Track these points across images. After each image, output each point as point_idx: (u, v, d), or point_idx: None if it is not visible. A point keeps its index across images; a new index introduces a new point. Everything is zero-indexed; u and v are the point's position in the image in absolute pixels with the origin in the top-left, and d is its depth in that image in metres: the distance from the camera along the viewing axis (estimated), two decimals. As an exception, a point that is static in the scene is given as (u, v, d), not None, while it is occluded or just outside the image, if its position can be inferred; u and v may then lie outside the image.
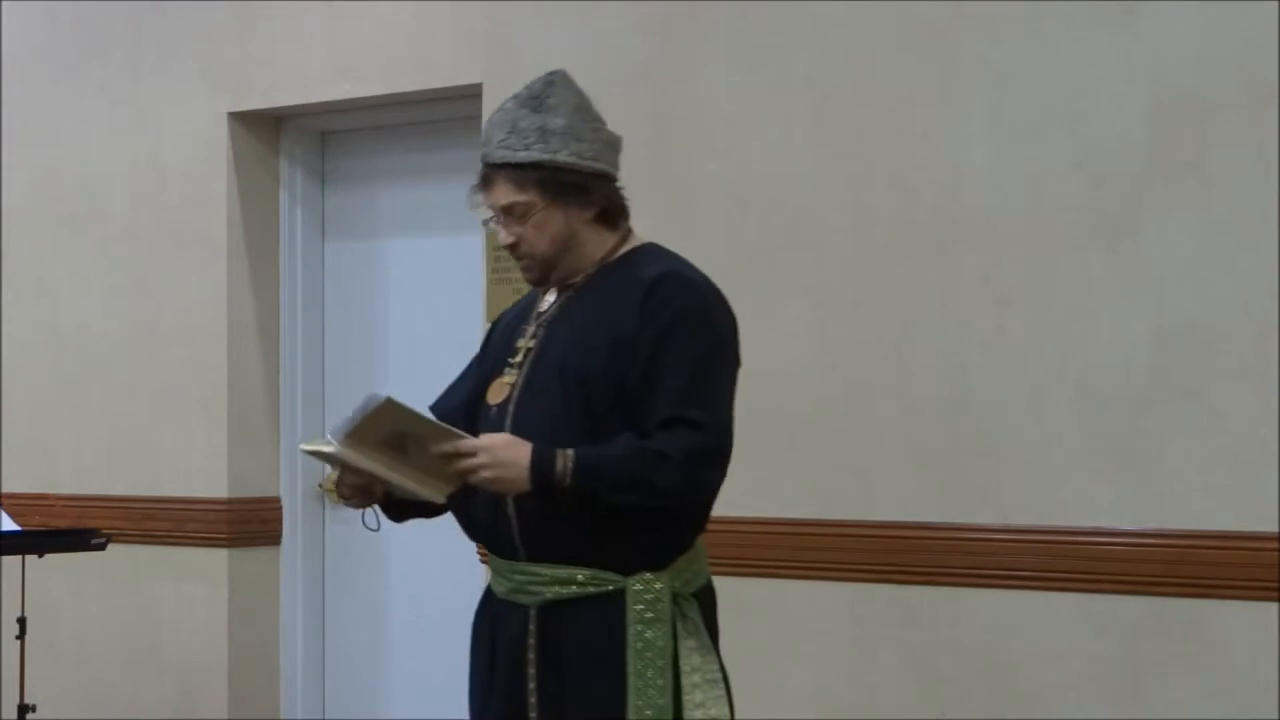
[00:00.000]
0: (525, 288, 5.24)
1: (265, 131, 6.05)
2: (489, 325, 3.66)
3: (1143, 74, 4.29)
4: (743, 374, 4.72)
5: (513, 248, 3.40)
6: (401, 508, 3.44)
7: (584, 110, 3.38)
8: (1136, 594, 4.25)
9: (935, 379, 4.54)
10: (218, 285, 5.96)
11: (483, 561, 5.08)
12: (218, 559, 5.95)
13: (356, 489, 3.38)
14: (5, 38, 6.46)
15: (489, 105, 5.33)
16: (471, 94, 5.40)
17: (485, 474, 3.21)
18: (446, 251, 5.79)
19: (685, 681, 3.24)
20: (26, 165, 6.43)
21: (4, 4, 6.46)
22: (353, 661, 6.03)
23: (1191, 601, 4.19)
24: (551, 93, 3.37)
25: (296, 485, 6.06)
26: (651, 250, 3.43)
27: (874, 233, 4.65)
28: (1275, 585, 4.07)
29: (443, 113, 5.69)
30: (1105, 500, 4.30)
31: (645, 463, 3.19)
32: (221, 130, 5.97)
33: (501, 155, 3.35)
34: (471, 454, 3.22)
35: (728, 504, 4.72)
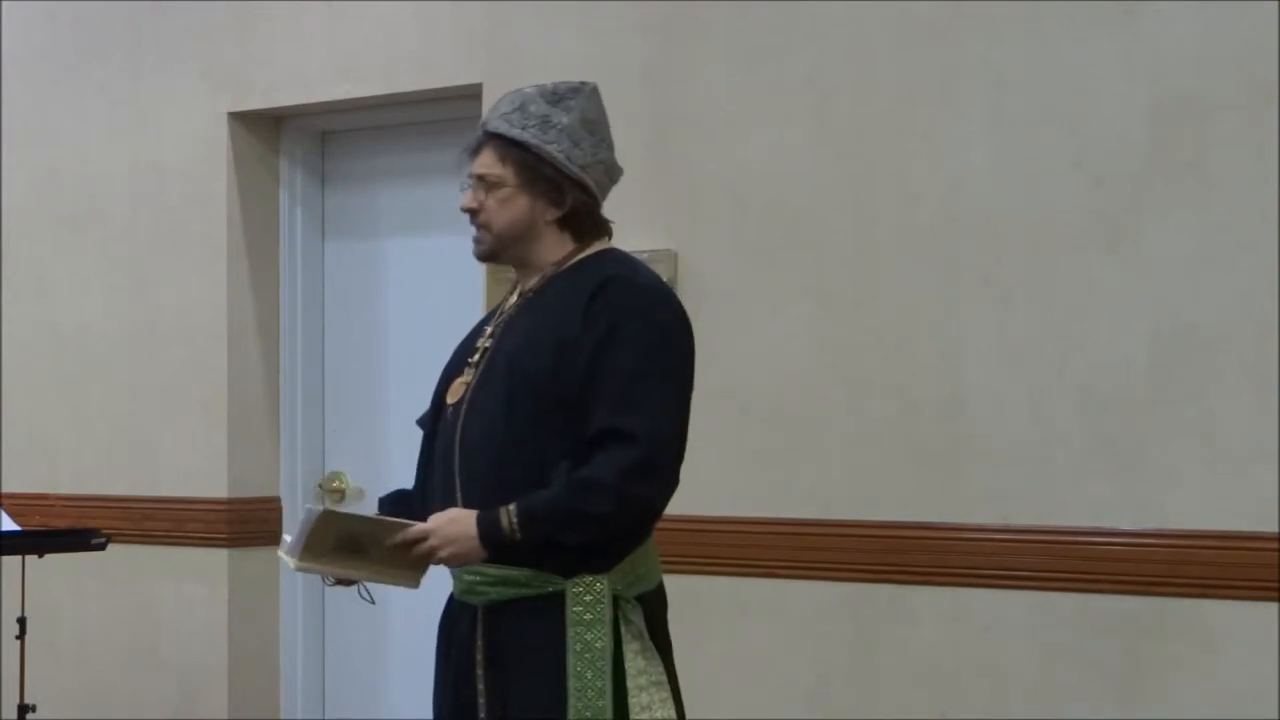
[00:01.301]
0: (525, 288, 5.31)
1: (265, 131, 6.05)
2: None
3: (1143, 74, 4.29)
4: (743, 374, 4.74)
5: (472, 213, 3.44)
6: None
7: (595, 125, 3.39)
8: (1136, 594, 4.25)
9: (935, 379, 4.54)
10: (218, 285, 5.96)
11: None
12: (218, 559, 5.95)
13: (337, 579, 3.39)
14: (5, 38, 6.46)
15: (489, 105, 5.32)
16: (471, 94, 5.40)
17: (441, 554, 3.26)
18: (446, 251, 5.78)
19: (631, 684, 3.24)
20: (26, 165, 6.42)
21: (4, 4, 6.46)
22: (353, 661, 6.03)
23: (1191, 601, 4.19)
24: (573, 97, 3.38)
25: (296, 485, 6.06)
26: (608, 255, 3.43)
27: (874, 232, 4.65)
28: (1275, 585, 4.07)
29: (443, 113, 5.68)
30: (1105, 500, 4.30)
31: (580, 495, 3.19)
32: (221, 130, 5.97)
33: (496, 125, 3.39)
34: (422, 538, 3.25)
35: (728, 504, 4.74)
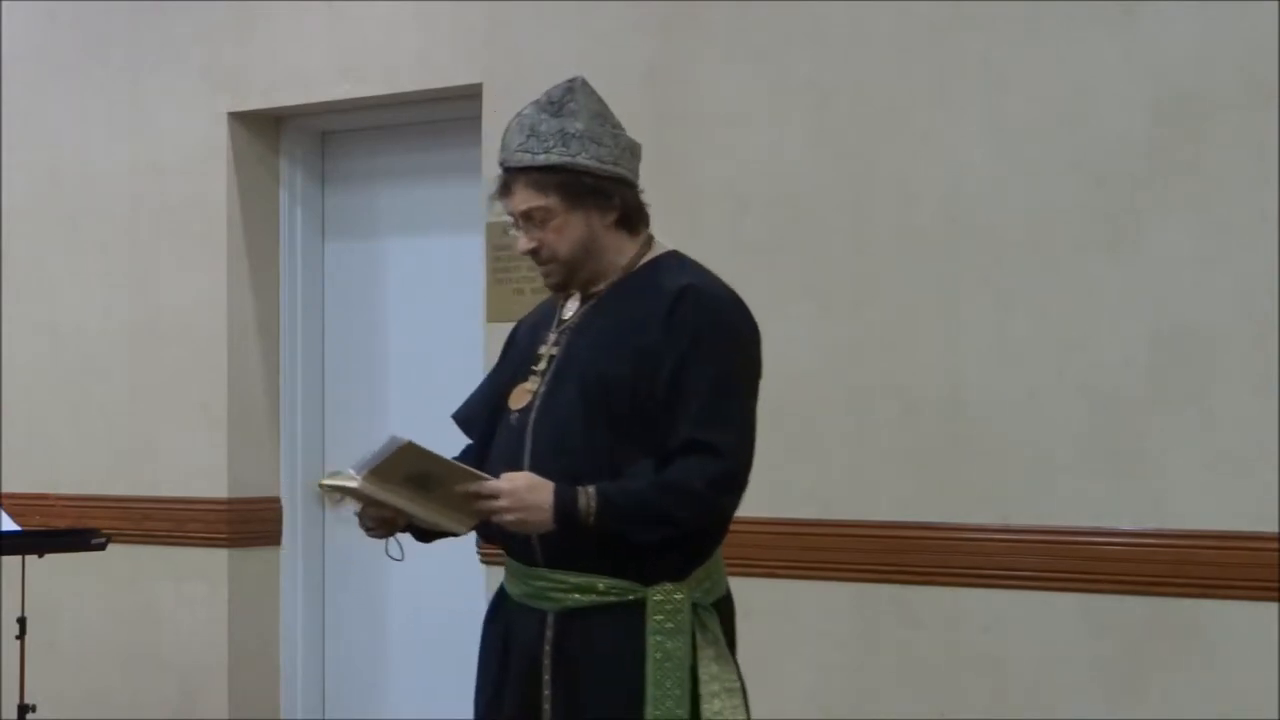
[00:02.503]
0: (524, 288, 5.31)
1: (265, 131, 6.05)
2: (510, 330, 3.64)
3: (1143, 74, 4.29)
4: (743, 374, 4.73)
5: (533, 253, 3.36)
6: (427, 531, 3.42)
7: (603, 116, 3.37)
8: (1136, 594, 4.25)
9: (935, 379, 4.54)
10: (218, 285, 5.96)
11: (484, 561, 5.09)
12: (218, 559, 5.95)
13: (379, 521, 3.36)
14: (5, 38, 6.46)
15: (489, 105, 5.34)
16: (471, 94, 5.40)
17: (508, 516, 3.21)
18: (446, 251, 5.79)
19: (703, 690, 3.24)
20: (26, 165, 6.42)
21: (4, 4, 6.46)
22: (353, 661, 6.03)
23: (1191, 601, 4.19)
24: (571, 98, 3.35)
25: (296, 485, 6.06)
26: (676, 259, 3.42)
27: (874, 233, 4.65)
28: (1275, 585, 4.07)
29: (443, 113, 5.69)
30: (1105, 500, 4.30)
31: (667, 497, 3.20)
32: (221, 130, 5.97)
33: (520, 159, 3.32)
34: (494, 496, 3.21)
35: (728, 504, 4.74)
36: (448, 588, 5.52)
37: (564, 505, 3.19)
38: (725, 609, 3.37)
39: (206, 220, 5.99)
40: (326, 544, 6.09)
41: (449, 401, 5.69)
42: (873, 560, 4.60)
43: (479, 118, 5.38)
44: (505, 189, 3.36)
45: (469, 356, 5.47)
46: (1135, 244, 4.29)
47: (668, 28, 4.99)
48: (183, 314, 6.03)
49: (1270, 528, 4.09)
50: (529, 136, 3.32)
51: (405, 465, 3.21)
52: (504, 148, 3.37)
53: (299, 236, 6.10)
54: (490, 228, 5.36)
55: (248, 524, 5.99)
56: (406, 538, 3.46)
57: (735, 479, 3.27)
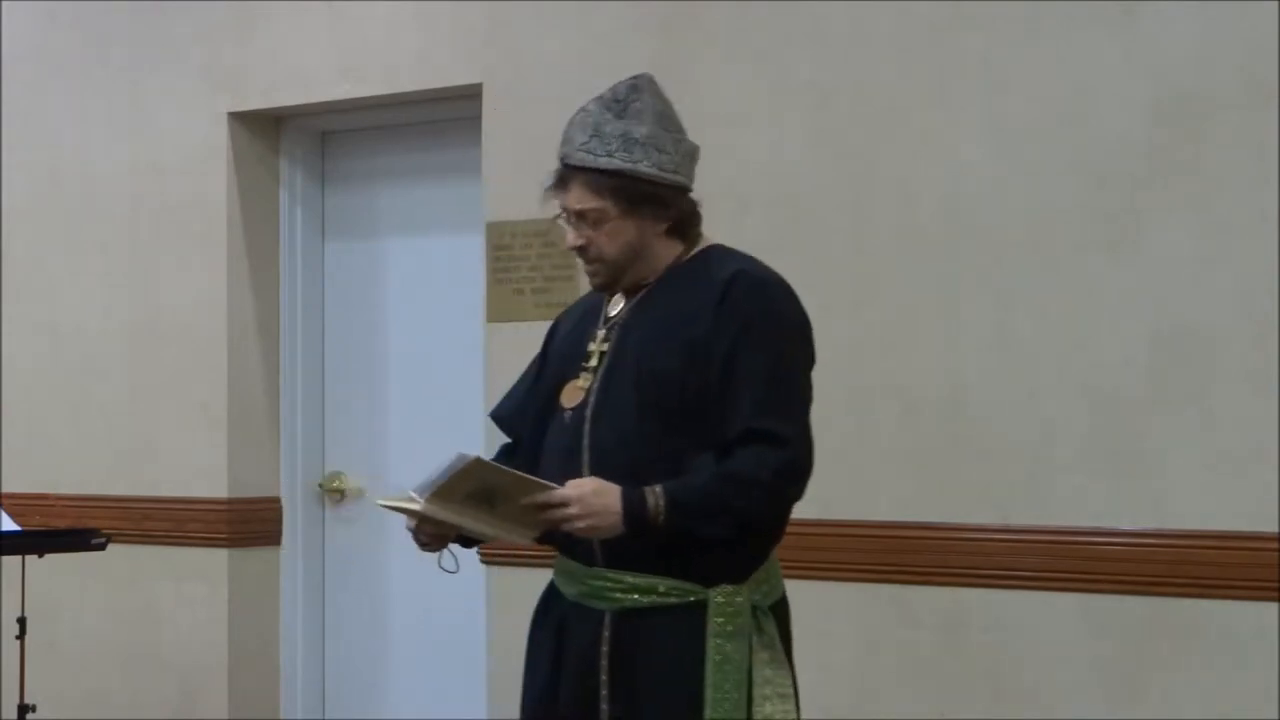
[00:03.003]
0: (524, 288, 5.31)
1: (265, 131, 6.05)
2: (550, 326, 3.61)
3: (1143, 74, 4.29)
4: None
5: (581, 250, 3.35)
6: (469, 537, 3.39)
7: (667, 119, 3.35)
8: (1136, 594, 4.25)
9: (935, 379, 4.54)
10: (218, 285, 5.96)
11: (484, 562, 5.09)
12: (218, 559, 5.95)
13: (434, 536, 3.34)
14: (5, 38, 6.46)
15: (489, 105, 5.34)
16: (471, 94, 5.40)
17: (579, 523, 3.18)
18: (446, 251, 5.79)
19: (756, 693, 3.23)
20: (26, 165, 6.42)
21: (4, 4, 6.46)
22: (353, 661, 6.03)
23: (1191, 601, 4.19)
24: (636, 98, 3.33)
25: (296, 485, 6.06)
26: (721, 250, 3.41)
27: (874, 233, 4.65)
28: (1275, 585, 4.07)
29: (443, 113, 5.69)
30: (1105, 500, 4.30)
31: (734, 490, 3.19)
32: (221, 130, 5.97)
33: (581, 158, 3.29)
34: (563, 504, 3.18)
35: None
36: (448, 588, 5.49)
37: (633, 507, 3.17)
38: (781, 611, 3.36)
39: (206, 220, 5.99)
40: (326, 544, 6.09)
41: (449, 401, 5.73)
42: (873, 560, 4.59)
43: (479, 118, 5.38)
44: (562, 184, 3.33)
45: (469, 356, 5.47)
46: (1135, 244, 4.29)
47: (668, 28, 4.99)
48: (183, 314, 6.03)
49: (1270, 528, 4.09)
50: (592, 136, 3.29)
51: (470, 482, 3.18)
52: (566, 142, 3.33)
53: (299, 236, 6.09)
54: (490, 228, 5.36)
55: (248, 524, 5.99)
56: (453, 546, 3.42)
57: (799, 466, 3.26)
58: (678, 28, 4.97)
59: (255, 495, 6.01)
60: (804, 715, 4.68)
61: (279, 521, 6.05)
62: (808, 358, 3.36)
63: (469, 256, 5.50)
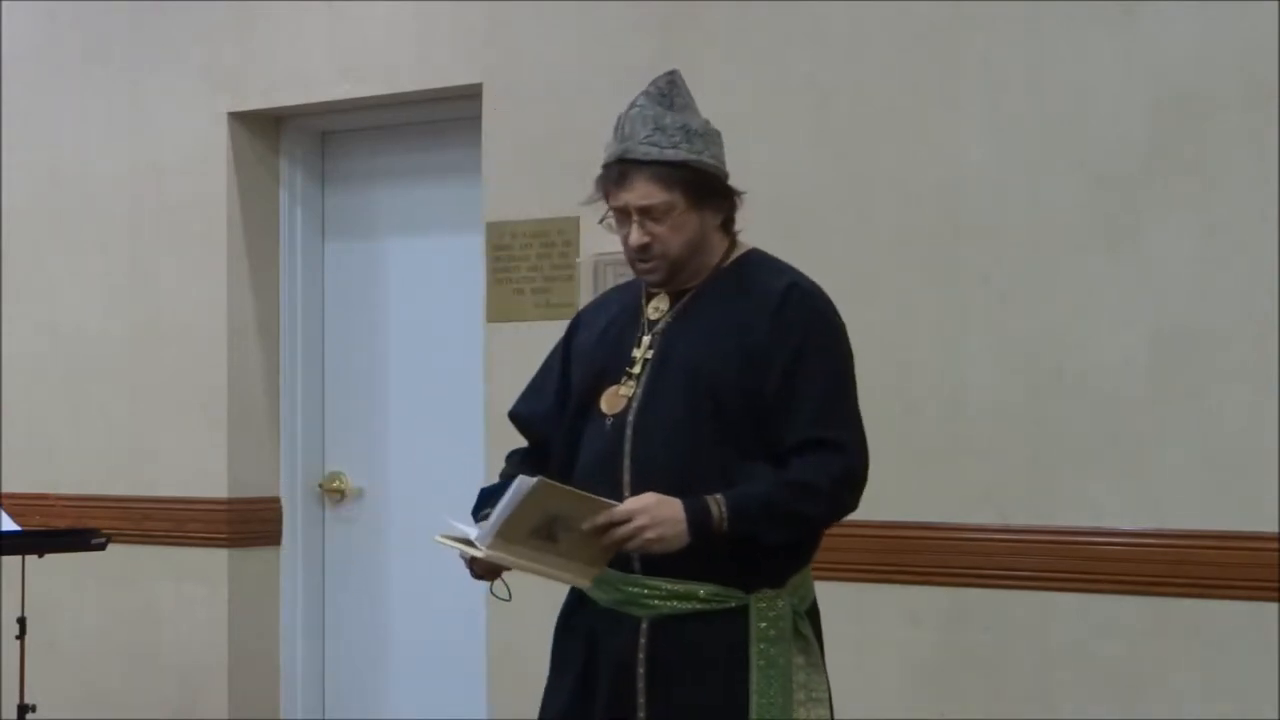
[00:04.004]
0: (524, 288, 5.31)
1: (265, 131, 6.05)
2: (570, 325, 3.53)
3: (1143, 74, 4.29)
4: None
5: (645, 248, 3.28)
6: None
7: (699, 113, 3.35)
8: (1136, 594, 4.25)
9: (935, 379, 4.54)
10: (218, 285, 5.96)
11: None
12: (218, 559, 5.95)
13: (488, 568, 3.28)
14: (5, 38, 6.46)
15: (489, 105, 5.34)
16: (471, 94, 5.40)
17: (647, 535, 3.12)
18: (446, 251, 5.79)
19: (793, 699, 3.22)
20: (26, 165, 6.42)
21: (4, 4, 6.46)
22: (353, 661, 6.03)
23: (1191, 601, 4.19)
24: (676, 92, 3.33)
25: (296, 485, 6.06)
26: (762, 257, 3.40)
27: (874, 232, 4.65)
28: (1275, 585, 4.07)
29: (443, 113, 5.68)
30: (1105, 500, 4.30)
31: (796, 497, 3.18)
32: (221, 130, 5.97)
33: (647, 152, 3.25)
34: (627, 519, 3.12)
35: (728, 504, 4.73)
36: (448, 588, 5.51)
37: (697, 517, 3.14)
38: (815, 615, 3.36)
39: (206, 220, 5.99)
40: (326, 544, 6.09)
41: (449, 401, 5.73)
42: (873, 560, 4.59)
43: (479, 118, 5.38)
44: (622, 179, 3.27)
45: (469, 356, 5.47)
46: (1135, 244, 4.29)
47: (668, 28, 4.99)
48: (183, 314, 6.03)
49: (1270, 528, 4.09)
50: (655, 129, 3.27)
51: (538, 510, 3.10)
52: (624, 138, 3.28)
53: (299, 236, 6.09)
54: (490, 228, 5.36)
55: (248, 524, 5.99)
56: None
57: (859, 475, 3.27)
58: (678, 28, 4.97)
59: (255, 495, 6.01)
60: (804, 715, 4.69)
61: (279, 521, 6.05)
62: (853, 368, 3.36)
63: (469, 256, 5.50)
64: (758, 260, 3.39)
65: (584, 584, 3.21)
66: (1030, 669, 4.39)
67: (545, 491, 3.08)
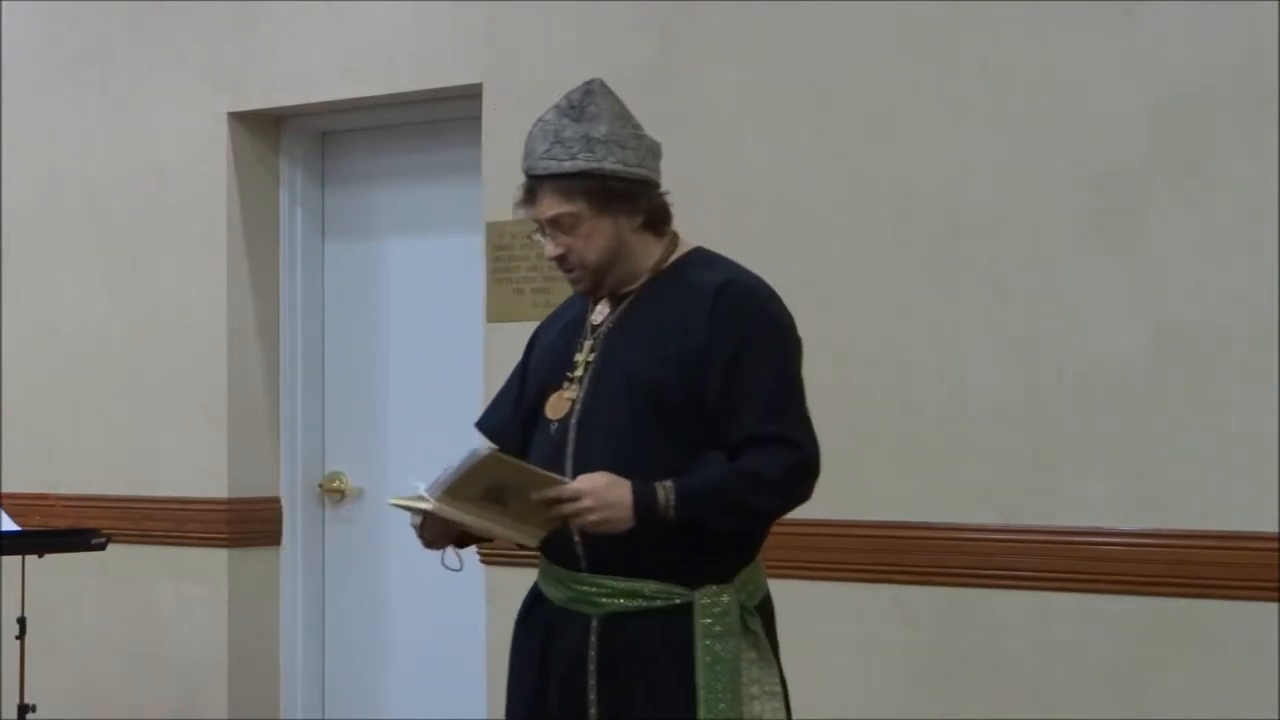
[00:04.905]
0: (524, 288, 5.31)
1: (265, 131, 6.05)
2: (531, 334, 3.60)
3: (1143, 74, 4.29)
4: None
5: (561, 259, 3.35)
6: (465, 535, 3.38)
7: (624, 118, 3.36)
8: (1136, 594, 4.25)
9: (935, 379, 4.54)
10: (218, 285, 5.96)
11: (484, 562, 5.09)
12: (218, 559, 5.95)
13: (438, 534, 3.35)
14: (5, 38, 6.46)
15: (489, 105, 5.34)
16: (471, 94, 5.40)
17: (591, 516, 3.17)
18: (446, 251, 5.79)
19: (744, 693, 3.24)
20: (26, 165, 6.42)
21: (4, 4, 6.46)
22: (353, 661, 6.03)
23: (1191, 601, 4.19)
24: (590, 101, 3.34)
25: (296, 485, 6.06)
26: (704, 255, 3.41)
27: (874, 232, 4.65)
28: (1275, 585, 4.07)
29: (443, 113, 5.69)
30: (1105, 500, 4.30)
31: (746, 487, 3.20)
32: (221, 130, 5.97)
33: (546, 166, 3.31)
34: (574, 499, 3.17)
35: (728, 504, 4.73)
36: (448, 588, 5.50)
37: (644, 500, 3.17)
38: (766, 610, 3.37)
39: (206, 220, 5.99)
40: (326, 544, 6.09)
41: (449, 402, 5.73)
42: (872, 560, 4.59)
43: (479, 118, 5.38)
44: (530, 196, 3.35)
45: (469, 356, 5.47)
46: (1135, 244, 4.29)
47: (668, 28, 4.99)
48: (183, 314, 6.03)
49: (1270, 528, 4.09)
50: (554, 143, 3.31)
51: (483, 478, 3.18)
52: (528, 155, 3.36)
53: (299, 236, 6.09)
54: (490, 228, 5.36)
55: (248, 524, 5.99)
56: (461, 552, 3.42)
57: (810, 469, 3.29)
58: (678, 28, 4.97)
59: (255, 495, 6.01)
60: (804, 715, 4.68)
61: (279, 521, 6.05)
62: (800, 360, 3.37)
63: (469, 256, 5.50)
64: (699, 260, 3.40)
65: (532, 544, 3.28)
66: (1030, 669, 4.39)
67: (495, 462, 3.17)
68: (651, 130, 4.91)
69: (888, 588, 4.58)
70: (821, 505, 4.66)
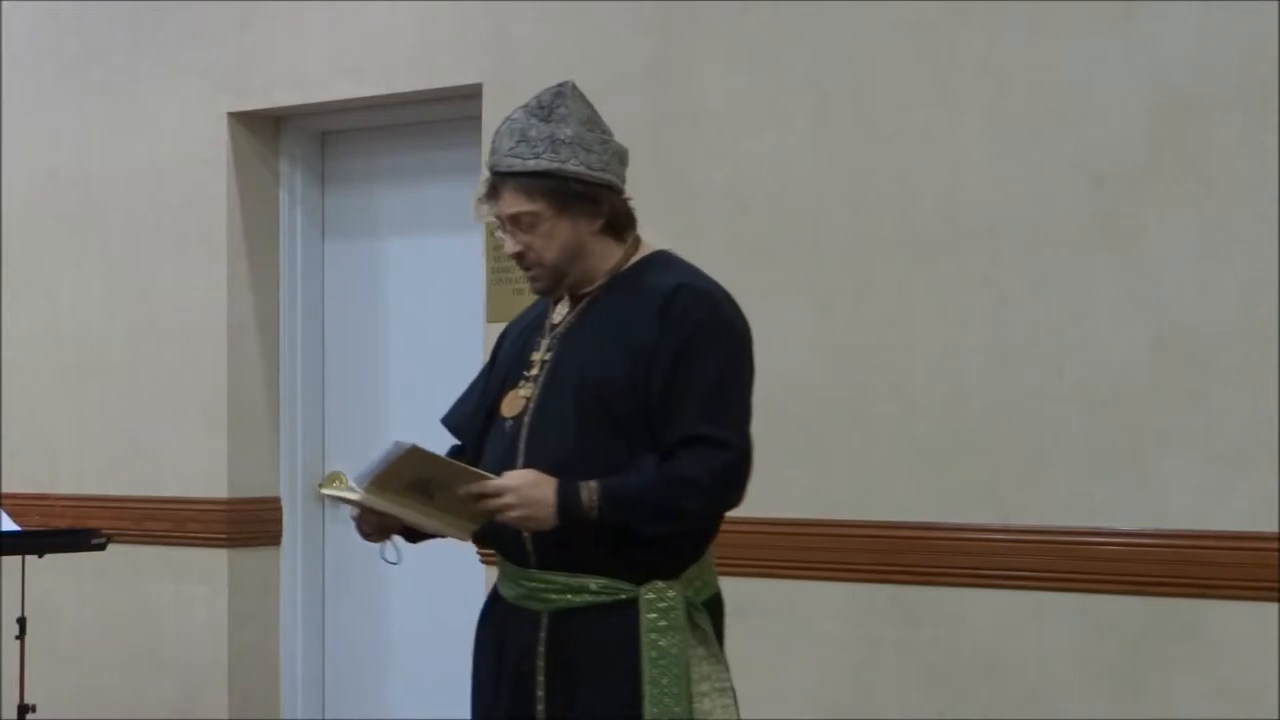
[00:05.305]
0: (524, 288, 5.29)
1: (265, 131, 6.05)
2: (499, 333, 3.65)
3: (1143, 74, 4.29)
4: (743, 374, 4.72)
5: (519, 257, 3.40)
6: (416, 531, 3.43)
7: (592, 121, 3.38)
8: (1136, 594, 4.25)
9: (935, 379, 4.54)
10: (218, 285, 5.96)
11: (483, 562, 5.09)
12: (218, 559, 5.96)
13: (376, 526, 3.39)
14: (5, 38, 6.46)
15: (489, 105, 5.33)
16: (471, 94, 5.40)
17: (513, 514, 3.22)
18: (446, 251, 5.79)
19: (695, 690, 3.25)
20: (26, 165, 6.42)
21: (4, 4, 6.46)
22: (353, 661, 6.03)
23: (1191, 601, 4.19)
24: (560, 103, 3.36)
25: (296, 485, 6.06)
26: (663, 259, 3.44)
27: (874, 233, 4.65)
28: (1275, 585, 4.07)
29: (443, 113, 5.69)
30: (1105, 500, 4.30)
31: (672, 489, 3.22)
32: (221, 130, 5.97)
33: (509, 164, 3.34)
34: (498, 494, 3.22)
35: (728, 504, 4.74)
36: (447, 588, 5.52)
37: (567, 499, 3.20)
38: (715, 608, 3.38)
39: (206, 220, 5.99)
40: (326, 544, 6.09)
41: (449, 402, 5.71)
42: (873, 560, 4.60)
43: (479, 118, 5.38)
44: (493, 192, 3.39)
45: (469, 356, 5.46)
46: (1135, 244, 4.29)
47: (668, 28, 4.99)
48: (183, 314, 6.03)
49: (1270, 528, 4.08)
50: (519, 142, 3.34)
51: (408, 471, 3.22)
52: (493, 152, 3.39)
53: (299, 236, 6.10)
54: (490, 228, 5.35)
55: (248, 524, 5.99)
56: (403, 546, 3.49)
57: (738, 471, 3.29)
58: (678, 28, 4.97)
59: (255, 495, 6.01)
60: (804, 715, 4.70)
61: (279, 521, 6.06)
62: (749, 366, 3.38)
63: (469, 256, 5.50)
64: (659, 262, 3.43)
65: (463, 538, 3.33)
66: (1030, 669, 4.39)
67: (418, 455, 3.20)
68: (652, 130, 4.95)
69: (888, 588, 4.58)
70: (821, 505, 4.70)
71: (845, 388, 4.65)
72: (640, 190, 4.80)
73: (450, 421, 3.60)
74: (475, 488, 3.23)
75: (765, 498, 4.73)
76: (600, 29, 5.11)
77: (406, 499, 3.25)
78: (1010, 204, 4.45)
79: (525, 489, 3.22)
